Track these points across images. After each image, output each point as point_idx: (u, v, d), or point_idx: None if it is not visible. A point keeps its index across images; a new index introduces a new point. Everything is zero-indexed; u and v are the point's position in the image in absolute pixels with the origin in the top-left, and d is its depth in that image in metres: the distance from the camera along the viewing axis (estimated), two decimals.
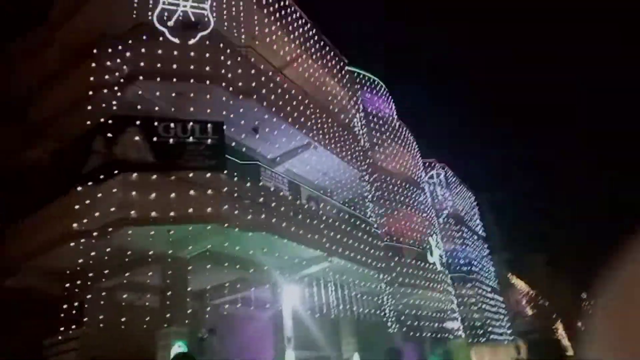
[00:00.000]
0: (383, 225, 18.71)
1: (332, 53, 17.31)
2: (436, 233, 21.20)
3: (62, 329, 8.93)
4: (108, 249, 8.24)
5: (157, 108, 9.75)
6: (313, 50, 15.79)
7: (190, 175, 8.28)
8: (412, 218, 19.74)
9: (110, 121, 8.95)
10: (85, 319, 8.95)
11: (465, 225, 26.90)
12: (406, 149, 21.87)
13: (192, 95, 9.95)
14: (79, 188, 8.18)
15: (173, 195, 7.94)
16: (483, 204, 31.26)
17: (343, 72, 18.20)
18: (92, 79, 9.52)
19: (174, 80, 9.77)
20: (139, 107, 9.64)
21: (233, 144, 10.98)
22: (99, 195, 8.11)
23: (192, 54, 10.04)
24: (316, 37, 16.05)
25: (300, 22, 15.23)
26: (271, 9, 13.46)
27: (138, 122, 9.13)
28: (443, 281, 19.51)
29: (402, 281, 16.92)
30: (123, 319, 8.93)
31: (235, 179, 9.19)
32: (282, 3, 14.23)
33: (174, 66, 9.86)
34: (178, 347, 7.97)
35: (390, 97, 24.61)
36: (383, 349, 15.14)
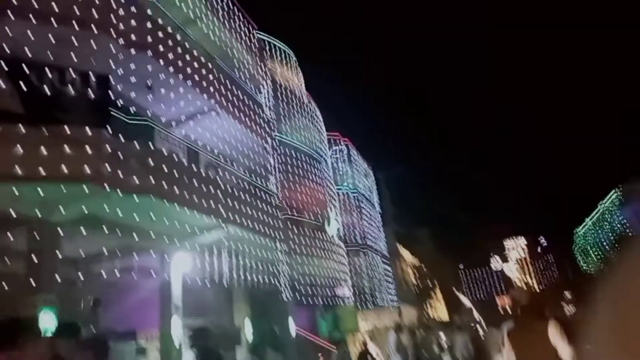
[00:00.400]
0: (284, 196, 18.84)
1: (241, 16, 16.60)
2: (335, 206, 21.93)
3: None
4: None
5: (31, 53, 8.53)
6: (221, 10, 14.98)
7: (67, 129, 7.43)
8: (313, 190, 20.14)
9: None
10: None
11: (363, 199, 28.23)
12: (312, 123, 22.08)
13: (74, 42, 8.85)
14: None
15: (44, 150, 7.08)
16: (380, 179, 32.97)
17: (252, 38, 17.60)
18: None
19: (54, 23, 8.60)
20: (8, 50, 8.34)
21: (122, 101, 10.08)
22: None
23: None
24: None
25: None
26: None
27: (5, 67, 7.94)
28: (338, 251, 20.36)
29: (299, 250, 17.34)
30: None
31: (122, 138, 8.47)
32: None
33: (54, 7, 8.67)
34: (46, 316, 7.31)
35: (300, 68, 24.47)
36: (276, 317, 15.42)
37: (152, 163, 9.27)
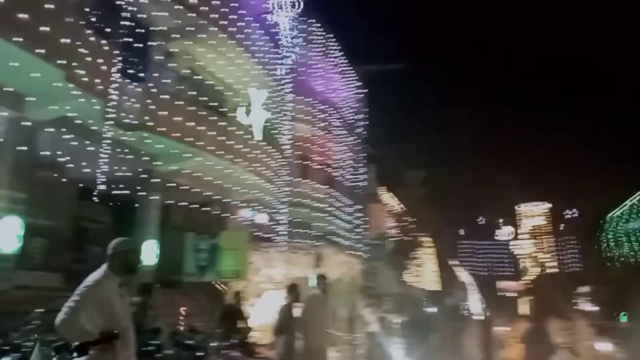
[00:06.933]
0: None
1: None
2: (269, 89, 15.30)
3: None
4: None
5: None
6: None
7: None
8: (232, 51, 13.60)
9: None
10: None
11: (330, 106, 21.52)
12: None
13: None
14: None
15: None
16: (370, 98, 25.69)
17: None
18: None
19: None
20: None
21: None
22: None
23: None
24: None
25: None
26: None
27: None
28: (256, 157, 14.11)
29: (179, 135, 11.07)
30: None
31: None
32: None
33: None
34: None
35: None
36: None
37: None
